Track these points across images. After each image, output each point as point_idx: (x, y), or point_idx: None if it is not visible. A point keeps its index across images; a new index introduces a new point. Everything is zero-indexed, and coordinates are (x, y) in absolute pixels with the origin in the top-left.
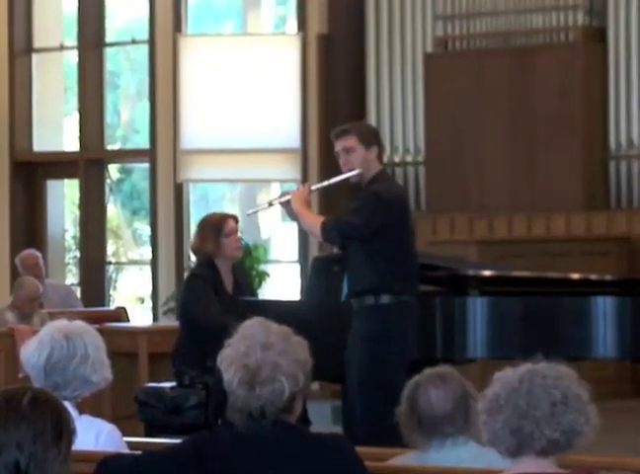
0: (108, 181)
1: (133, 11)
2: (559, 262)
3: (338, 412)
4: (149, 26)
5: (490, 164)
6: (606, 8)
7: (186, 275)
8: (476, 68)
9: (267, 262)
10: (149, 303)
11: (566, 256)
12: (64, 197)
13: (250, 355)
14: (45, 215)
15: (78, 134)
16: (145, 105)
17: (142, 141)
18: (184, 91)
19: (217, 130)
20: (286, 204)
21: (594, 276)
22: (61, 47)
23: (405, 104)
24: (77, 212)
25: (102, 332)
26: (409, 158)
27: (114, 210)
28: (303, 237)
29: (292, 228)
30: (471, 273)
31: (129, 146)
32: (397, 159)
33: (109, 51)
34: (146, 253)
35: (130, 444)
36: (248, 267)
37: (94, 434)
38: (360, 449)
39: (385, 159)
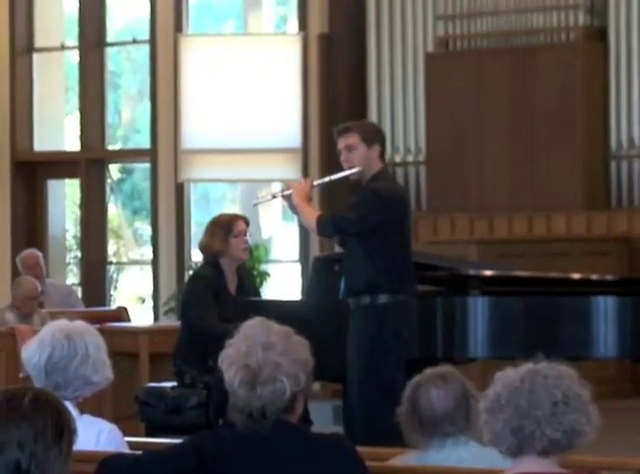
0: (109, 180)
1: (134, 11)
2: (560, 261)
3: (339, 412)
4: (150, 26)
5: (491, 164)
6: (607, 7)
7: (187, 274)
8: (477, 68)
9: (267, 261)
10: (150, 303)
11: (566, 256)
12: (65, 197)
13: (251, 355)
14: (46, 215)
15: (79, 134)
16: (146, 105)
17: (143, 141)
18: (185, 91)
19: (218, 130)
20: (288, 198)
21: (594, 276)
22: (62, 47)
23: (406, 104)
24: (78, 212)
25: (103, 332)
26: (410, 158)
27: (114, 210)
28: (304, 237)
29: (293, 228)
30: (472, 272)
31: (130, 146)
32: (398, 159)
33: (110, 51)
34: (147, 253)
35: (131, 444)
36: (249, 266)
37: (95, 434)
38: (361, 449)
39: (386, 159)
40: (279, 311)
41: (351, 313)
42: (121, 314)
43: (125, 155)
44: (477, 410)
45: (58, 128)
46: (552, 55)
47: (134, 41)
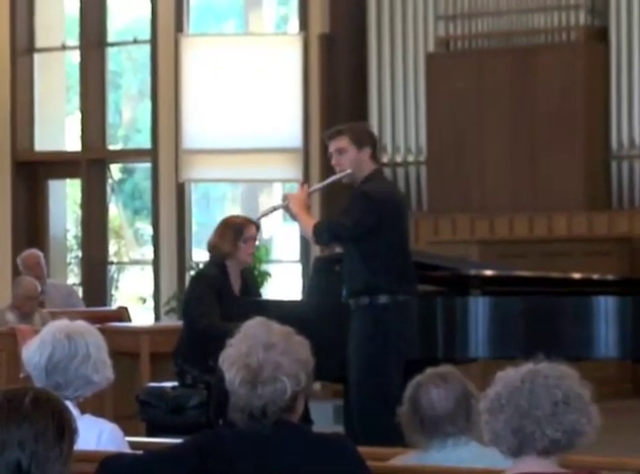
0: (109, 180)
1: (135, 11)
2: (560, 262)
3: (339, 411)
4: (151, 26)
5: (491, 164)
6: (608, 8)
7: (187, 274)
8: (478, 68)
9: (268, 262)
10: (151, 303)
11: (567, 256)
12: (66, 197)
13: (252, 355)
14: (47, 215)
15: (80, 134)
16: (147, 104)
17: (144, 141)
18: (185, 91)
19: (219, 130)
20: (287, 208)
21: (595, 276)
22: (63, 47)
23: (407, 104)
24: (79, 212)
25: (103, 332)
26: (410, 158)
27: (115, 210)
28: (305, 237)
29: (294, 228)
30: (473, 272)
31: (131, 146)
32: (399, 159)
33: (110, 51)
34: (148, 253)
35: (132, 444)
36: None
37: (95, 434)
38: (362, 449)
39: (387, 159)
40: (279, 311)
41: (351, 313)
42: (122, 314)
43: (126, 155)
44: (478, 410)
45: (59, 128)
46: (553, 55)
47: (135, 41)
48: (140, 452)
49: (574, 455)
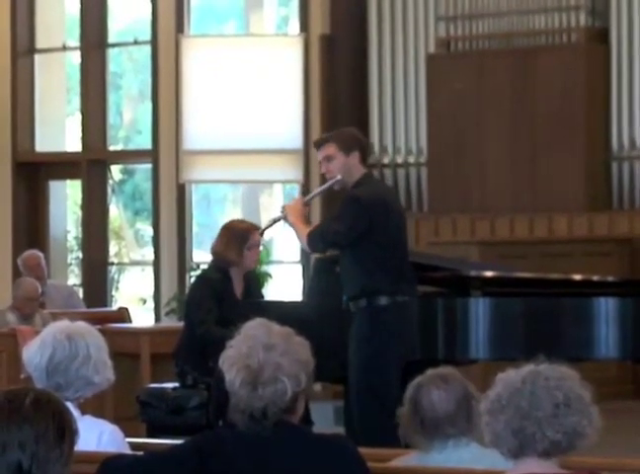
0: (110, 181)
1: (136, 12)
2: (561, 263)
3: (340, 412)
4: (151, 26)
5: (492, 165)
6: (609, 9)
7: (188, 275)
8: (478, 69)
9: (269, 263)
10: (151, 304)
11: (568, 257)
12: (66, 198)
13: (252, 356)
14: (48, 216)
15: (80, 135)
16: (148, 105)
17: (144, 142)
18: (186, 92)
19: (220, 131)
20: (285, 218)
21: (595, 277)
22: (64, 48)
23: (407, 105)
24: (79, 213)
25: (104, 332)
26: (411, 159)
27: (116, 211)
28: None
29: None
30: (473, 273)
31: (132, 147)
32: (399, 160)
33: (111, 52)
34: (148, 253)
35: (132, 445)
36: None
37: (96, 435)
38: (363, 450)
39: (387, 160)
40: (279, 312)
41: (352, 315)
42: (123, 315)
43: (127, 156)
44: (478, 411)
45: (60, 129)
46: (553, 57)
47: (136, 42)
48: (141, 453)
49: (575, 456)
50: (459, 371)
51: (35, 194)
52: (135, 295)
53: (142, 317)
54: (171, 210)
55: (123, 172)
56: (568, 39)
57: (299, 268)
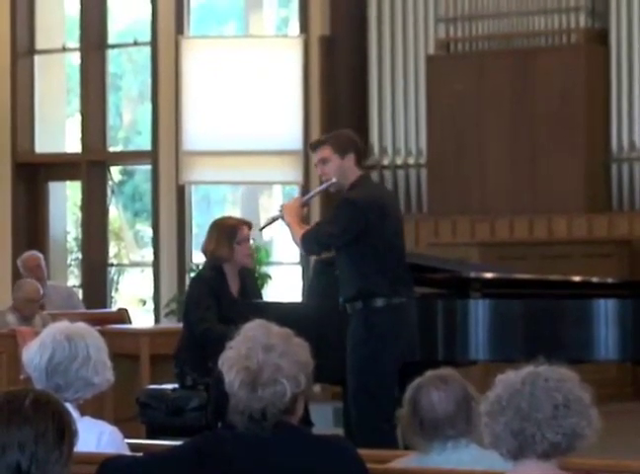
0: (110, 182)
1: (135, 13)
2: (560, 264)
3: (339, 414)
4: (151, 27)
5: (492, 166)
6: (608, 10)
7: (188, 276)
8: (478, 70)
9: (269, 264)
10: (151, 305)
11: (567, 258)
12: (66, 199)
13: (251, 357)
14: (47, 217)
15: (80, 136)
16: (147, 106)
17: (144, 143)
18: (186, 93)
19: (219, 132)
20: (283, 217)
21: (595, 279)
22: (64, 49)
23: (407, 106)
24: (79, 214)
25: (103, 333)
26: (411, 160)
27: (115, 212)
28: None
29: None
30: (473, 275)
31: (131, 148)
32: (399, 161)
33: (111, 53)
34: (148, 255)
35: (132, 446)
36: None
37: (95, 436)
38: (362, 451)
39: (387, 161)
40: (279, 313)
41: (349, 317)
42: (122, 316)
43: (126, 157)
44: (478, 412)
45: (59, 130)
46: (553, 58)
47: (135, 43)
48: (140, 454)
49: (574, 458)
50: (459, 373)
51: (34, 195)
52: (135, 296)
53: (142, 318)
54: (170, 211)
55: (123, 173)
56: (568, 39)
57: (299, 269)
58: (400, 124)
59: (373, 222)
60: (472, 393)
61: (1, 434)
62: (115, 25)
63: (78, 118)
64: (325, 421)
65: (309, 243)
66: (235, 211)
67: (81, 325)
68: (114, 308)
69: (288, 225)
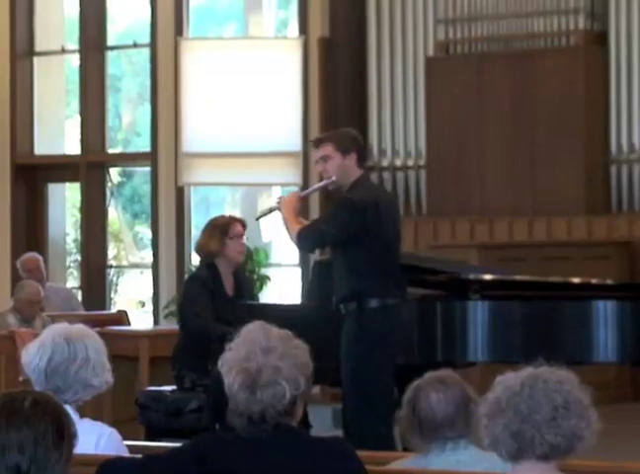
0: (109, 184)
1: (135, 14)
2: (560, 266)
3: (338, 415)
4: (150, 29)
5: (491, 167)
6: (608, 12)
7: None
8: (477, 72)
9: (268, 265)
10: (150, 307)
11: (567, 260)
12: (65, 201)
13: (250, 359)
14: (46, 219)
15: (79, 137)
16: (147, 108)
17: (143, 144)
18: (185, 94)
19: (219, 134)
20: (279, 209)
21: (594, 280)
22: (63, 51)
23: (406, 107)
24: (78, 216)
25: (103, 335)
26: (410, 162)
27: (115, 214)
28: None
29: None
30: (472, 277)
31: (131, 149)
32: (398, 163)
33: (110, 55)
34: (147, 256)
35: (131, 448)
36: (249, 270)
37: (94, 438)
38: (361, 453)
39: (386, 163)
40: (278, 315)
41: (343, 318)
42: (122, 318)
43: (126, 158)
44: (477, 414)
45: (59, 132)
46: (552, 60)
47: (135, 45)
48: (139, 456)
49: (573, 459)
50: (458, 374)
51: (33, 196)
52: (134, 298)
53: (141, 320)
54: (170, 213)
55: (122, 174)
56: (567, 41)
57: (298, 271)
58: (399, 126)
59: (371, 223)
60: (471, 395)
61: (1, 435)
62: (114, 26)
63: (77, 119)
64: (324, 422)
65: (305, 240)
66: (234, 213)
67: (80, 327)
68: (113, 310)
69: (284, 218)
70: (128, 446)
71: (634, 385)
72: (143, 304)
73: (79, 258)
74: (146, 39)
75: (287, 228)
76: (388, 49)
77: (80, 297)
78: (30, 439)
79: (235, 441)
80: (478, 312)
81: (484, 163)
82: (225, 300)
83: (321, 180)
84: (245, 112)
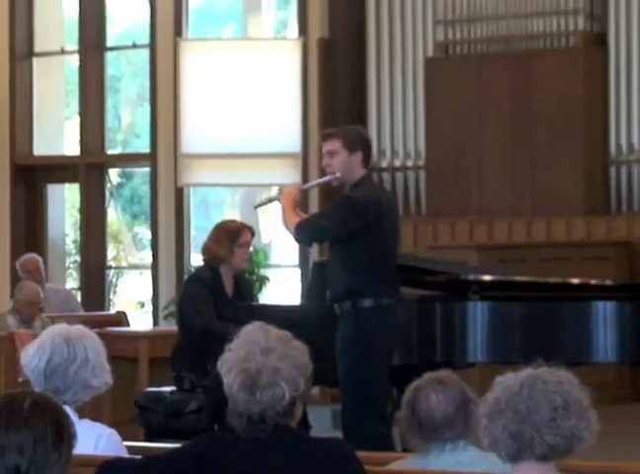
0: (108, 185)
1: (134, 15)
2: (559, 266)
3: (338, 416)
4: (150, 30)
5: (490, 168)
6: (607, 13)
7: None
8: (476, 73)
9: (267, 266)
10: (149, 308)
11: (566, 260)
12: (65, 202)
13: (250, 360)
14: (46, 219)
15: (79, 138)
16: (146, 109)
17: (143, 145)
18: (184, 95)
19: (218, 135)
20: (279, 200)
21: (594, 281)
22: (62, 51)
23: (406, 108)
24: (77, 216)
25: (102, 336)
26: (409, 163)
27: (114, 215)
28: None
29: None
30: (471, 277)
31: (130, 150)
32: (398, 163)
33: (109, 55)
34: (147, 257)
35: (130, 449)
36: (248, 271)
37: (94, 439)
38: (360, 454)
39: (385, 163)
40: (277, 316)
41: (337, 318)
42: (121, 318)
43: (125, 159)
44: (476, 415)
45: (58, 133)
46: (552, 60)
47: (134, 46)
48: (138, 457)
49: (573, 460)
50: (457, 375)
51: (33, 197)
52: (133, 299)
53: (140, 321)
54: (169, 214)
55: (122, 175)
56: (566, 42)
57: (297, 271)
58: (399, 127)
59: (371, 223)
60: (470, 395)
61: (0, 436)
62: (113, 27)
63: (77, 120)
64: (324, 423)
65: (304, 233)
66: (234, 214)
67: (79, 327)
68: (112, 311)
69: (283, 209)
70: (128, 447)
71: (634, 386)
72: (143, 305)
73: (78, 259)
74: (145, 39)
75: (285, 220)
76: (388, 50)
77: (79, 298)
78: (29, 440)
79: (234, 442)
80: (477, 313)
81: (483, 164)
82: (226, 302)
83: (324, 174)
84: (244, 113)
